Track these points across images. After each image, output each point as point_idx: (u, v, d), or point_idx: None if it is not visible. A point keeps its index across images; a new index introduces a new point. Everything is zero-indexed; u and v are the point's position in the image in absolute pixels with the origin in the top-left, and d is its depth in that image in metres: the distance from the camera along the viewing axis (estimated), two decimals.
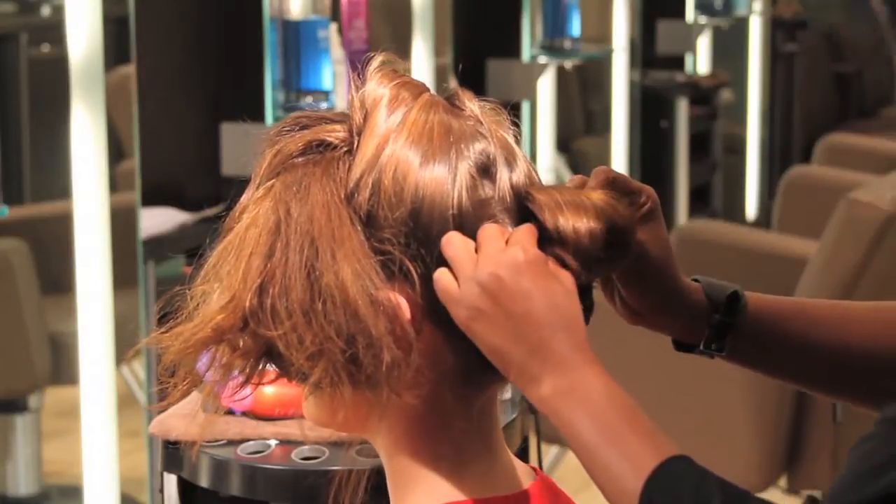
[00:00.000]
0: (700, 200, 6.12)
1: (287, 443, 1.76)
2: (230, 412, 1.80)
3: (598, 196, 1.11)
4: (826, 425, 3.24)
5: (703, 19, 6.23)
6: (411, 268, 1.07)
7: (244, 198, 1.12)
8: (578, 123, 5.85)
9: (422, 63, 4.05)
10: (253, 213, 1.10)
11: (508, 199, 1.10)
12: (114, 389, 2.86)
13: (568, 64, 5.19)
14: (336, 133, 1.11)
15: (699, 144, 6.03)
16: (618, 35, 5.53)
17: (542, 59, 4.70)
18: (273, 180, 1.11)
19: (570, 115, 5.59)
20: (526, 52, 4.57)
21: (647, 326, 1.25)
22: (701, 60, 6.41)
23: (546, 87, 5.01)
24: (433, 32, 4.06)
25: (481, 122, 1.12)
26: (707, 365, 1.37)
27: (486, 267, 1.06)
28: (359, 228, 1.07)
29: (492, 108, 1.15)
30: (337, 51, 3.37)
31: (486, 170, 1.10)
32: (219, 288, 1.10)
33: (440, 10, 4.12)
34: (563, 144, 5.37)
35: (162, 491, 1.79)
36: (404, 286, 1.08)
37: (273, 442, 1.77)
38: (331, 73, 3.27)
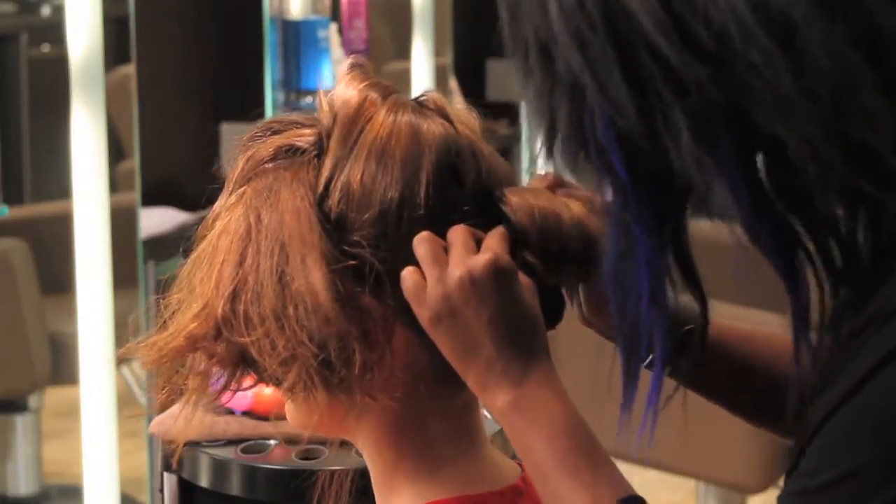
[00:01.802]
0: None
1: (287, 443, 1.76)
2: (230, 412, 1.80)
3: (575, 203, 1.11)
4: None
5: None
6: (382, 270, 1.07)
7: (217, 205, 1.13)
8: None
9: (422, 63, 4.05)
10: (225, 220, 1.10)
11: (478, 199, 1.10)
12: (114, 389, 2.86)
13: None
14: (306, 137, 1.11)
15: None
16: None
17: None
18: (244, 187, 1.11)
19: None
20: None
21: (598, 332, 1.20)
22: None
23: None
24: (433, 32, 4.06)
25: (450, 123, 1.12)
26: None
27: (455, 270, 1.05)
28: (329, 232, 1.07)
29: (462, 109, 1.16)
30: (337, 51, 3.37)
31: (454, 170, 1.10)
32: (193, 296, 1.10)
33: (440, 10, 4.13)
34: None
35: (162, 491, 1.79)
36: (375, 288, 1.07)
37: (273, 442, 1.77)
38: (331, 73, 3.27)
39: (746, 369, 1.23)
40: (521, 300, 1.06)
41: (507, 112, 4.75)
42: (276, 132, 1.13)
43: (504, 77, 4.51)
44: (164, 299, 1.12)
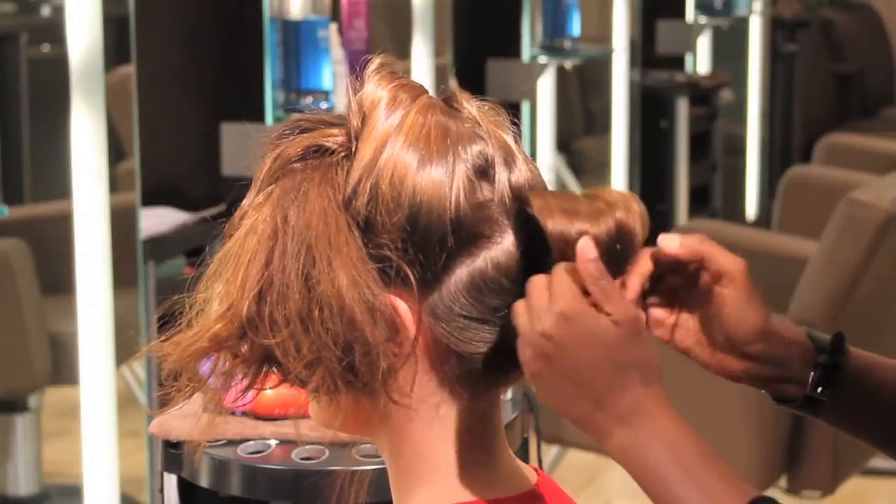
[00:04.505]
0: (700, 200, 6.12)
1: (287, 443, 1.76)
2: (231, 412, 1.80)
3: (614, 196, 1.10)
4: (826, 426, 3.23)
5: (702, 19, 6.23)
6: (409, 273, 1.06)
7: (245, 203, 1.12)
8: (578, 123, 5.85)
9: (422, 63, 4.05)
10: (252, 219, 1.10)
11: (507, 200, 1.09)
12: (114, 389, 2.86)
13: (568, 64, 5.19)
14: (335, 138, 1.10)
15: (699, 144, 6.03)
16: (618, 35, 5.53)
17: (542, 59, 4.70)
18: (272, 186, 1.10)
19: (570, 115, 5.59)
20: (526, 52, 4.57)
21: (720, 375, 1.25)
22: (701, 60, 6.41)
23: (546, 87, 5.01)
24: (433, 32, 4.06)
25: (479, 124, 1.11)
26: None
27: (536, 326, 1.05)
28: (356, 234, 1.07)
29: (491, 109, 1.14)
30: (337, 51, 3.37)
31: (483, 172, 1.09)
32: (218, 295, 1.10)
33: (440, 10, 4.12)
34: (563, 144, 5.37)
35: (162, 491, 1.79)
36: (402, 291, 1.07)
37: (273, 442, 1.77)
38: (331, 73, 3.27)
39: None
40: (602, 340, 1.05)
41: (507, 112, 4.74)
42: (304, 130, 1.12)
43: (504, 77, 4.51)
44: (189, 297, 1.12)
